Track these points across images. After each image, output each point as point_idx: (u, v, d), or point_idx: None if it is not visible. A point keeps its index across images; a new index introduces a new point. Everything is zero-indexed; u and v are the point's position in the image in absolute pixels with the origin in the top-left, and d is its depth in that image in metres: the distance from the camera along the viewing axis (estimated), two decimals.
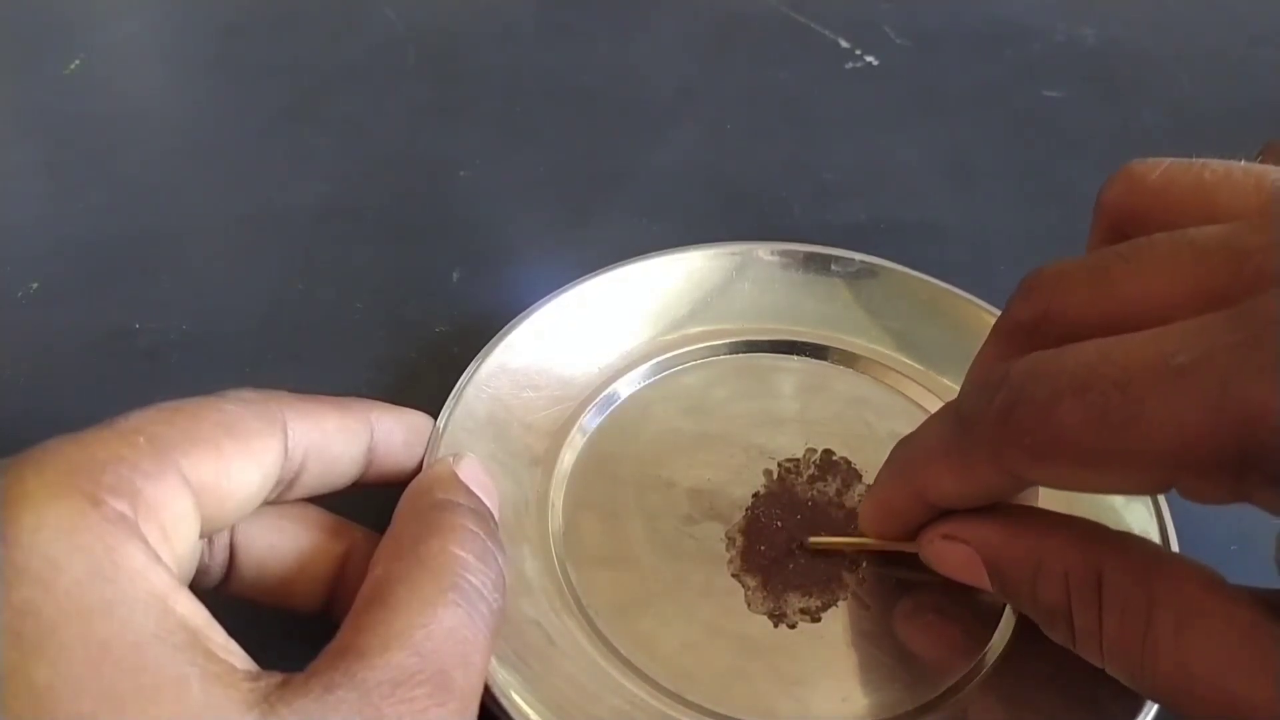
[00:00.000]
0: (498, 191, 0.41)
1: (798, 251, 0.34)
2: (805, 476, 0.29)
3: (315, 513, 0.24)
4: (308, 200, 0.40)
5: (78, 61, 0.47)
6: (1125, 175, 0.21)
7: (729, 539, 0.27)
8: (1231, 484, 0.17)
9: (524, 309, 0.31)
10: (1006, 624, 0.26)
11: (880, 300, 0.33)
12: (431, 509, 0.22)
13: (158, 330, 0.34)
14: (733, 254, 0.34)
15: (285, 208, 0.40)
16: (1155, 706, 0.23)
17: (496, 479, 0.25)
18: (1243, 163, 0.20)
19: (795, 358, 0.33)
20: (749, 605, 0.26)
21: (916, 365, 0.32)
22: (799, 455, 0.30)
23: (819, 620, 0.26)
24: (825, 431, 0.30)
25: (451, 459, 0.24)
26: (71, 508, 0.17)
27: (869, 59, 0.50)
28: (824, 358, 0.33)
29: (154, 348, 0.34)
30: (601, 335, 0.32)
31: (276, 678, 0.17)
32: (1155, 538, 0.26)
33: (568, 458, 0.29)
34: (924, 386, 0.31)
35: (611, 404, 0.31)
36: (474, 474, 0.24)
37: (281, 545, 0.23)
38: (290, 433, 0.22)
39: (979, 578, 0.23)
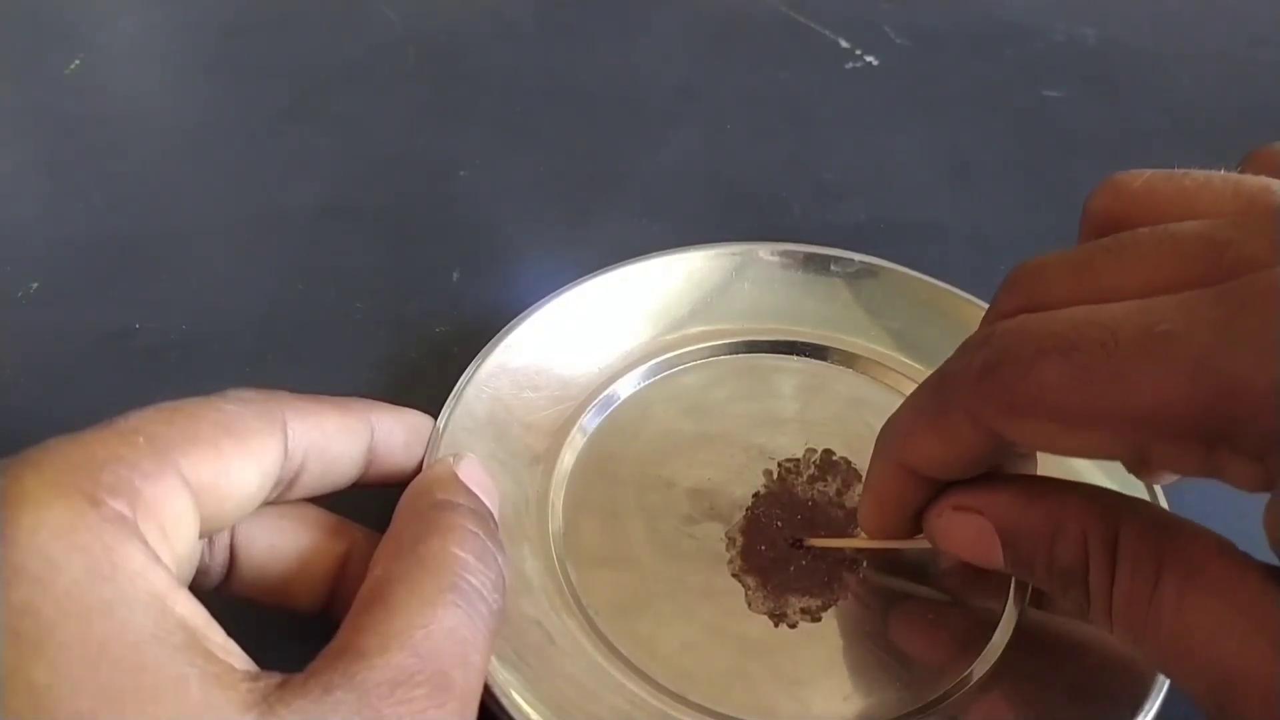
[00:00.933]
0: (498, 191, 0.41)
1: (798, 252, 0.34)
2: (805, 477, 0.29)
3: (315, 513, 0.24)
4: (308, 200, 0.40)
5: (78, 61, 0.47)
6: (1110, 184, 0.22)
7: (729, 539, 0.27)
8: (1202, 454, 0.17)
9: (524, 309, 0.31)
10: (1007, 624, 0.26)
11: (880, 300, 0.33)
12: (431, 509, 0.22)
13: (157, 330, 0.34)
14: (733, 254, 0.34)
15: (285, 208, 0.40)
16: (1156, 705, 0.23)
17: (496, 479, 0.25)
18: (1222, 171, 0.20)
19: (795, 358, 0.33)
20: (749, 605, 0.26)
21: (916, 365, 0.32)
22: (799, 455, 0.30)
23: (819, 620, 0.26)
24: (825, 432, 0.30)
25: (451, 459, 0.24)
26: (70, 507, 0.17)
27: (869, 59, 0.50)
28: (824, 358, 0.33)
29: (154, 348, 0.34)
30: (601, 335, 0.32)
31: (275, 678, 0.17)
32: None
33: (568, 458, 0.29)
34: None
35: (612, 404, 0.31)
36: (474, 474, 0.24)
37: (281, 545, 0.23)
38: (290, 433, 0.22)
39: (989, 551, 0.22)
